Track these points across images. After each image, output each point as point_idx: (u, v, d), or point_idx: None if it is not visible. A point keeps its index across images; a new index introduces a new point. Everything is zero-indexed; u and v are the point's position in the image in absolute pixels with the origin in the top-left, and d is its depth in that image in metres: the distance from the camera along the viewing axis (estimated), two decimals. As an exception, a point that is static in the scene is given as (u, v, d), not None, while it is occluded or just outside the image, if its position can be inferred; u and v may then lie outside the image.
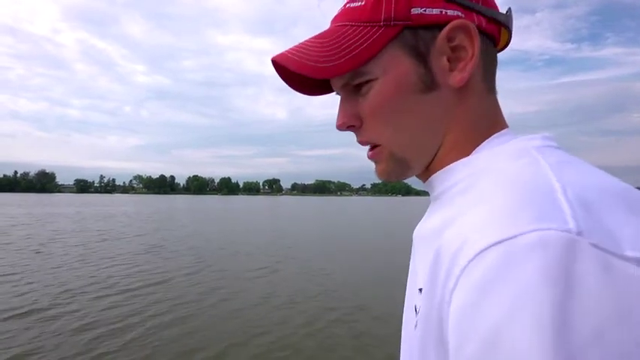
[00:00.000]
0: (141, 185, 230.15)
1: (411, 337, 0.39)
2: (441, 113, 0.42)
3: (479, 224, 0.30)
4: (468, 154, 0.42)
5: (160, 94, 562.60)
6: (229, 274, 7.77)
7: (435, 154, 0.44)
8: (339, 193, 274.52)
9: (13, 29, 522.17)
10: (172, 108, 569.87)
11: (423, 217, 0.47)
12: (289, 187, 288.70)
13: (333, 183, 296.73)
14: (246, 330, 4.68)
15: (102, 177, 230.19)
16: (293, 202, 79.99)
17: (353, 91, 0.44)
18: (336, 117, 0.46)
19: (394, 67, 0.41)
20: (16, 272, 7.53)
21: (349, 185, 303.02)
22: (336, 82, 0.46)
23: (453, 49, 0.40)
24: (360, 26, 0.41)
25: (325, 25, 0.47)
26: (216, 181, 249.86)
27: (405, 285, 0.48)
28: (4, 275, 7.27)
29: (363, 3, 0.41)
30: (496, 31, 0.43)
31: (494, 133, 0.43)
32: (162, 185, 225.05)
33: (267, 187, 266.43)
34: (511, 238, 0.27)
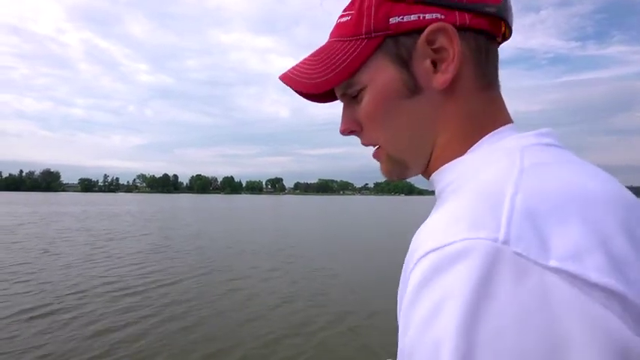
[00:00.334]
0: (144, 184, 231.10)
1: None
2: (430, 115, 0.43)
3: (430, 230, 0.33)
4: (462, 154, 0.42)
5: (164, 93, 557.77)
6: (238, 275, 7.85)
7: (431, 155, 0.46)
8: (341, 193, 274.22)
9: (18, 29, 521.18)
10: (176, 107, 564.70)
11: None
12: (292, 186, 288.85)
13: (336, 182, 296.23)
14: (261, 334, 4.65)
15: (106, 176, 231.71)
16: (296, 201, 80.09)
17: (351, 99, 0.48)
18: (339, 116, 0.51)
19: (379, 75, 0.44)
20: (25, 271, 7.66)
21: (352, 184, 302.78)
22: (336, 92, 0.50)
23: (436, 52, 0.41)
24: (346, 41, 0.45)
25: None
26: (219, 180, 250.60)
27: None
28: (12, 273, 7.40)
29: (349, 18, 0.44)
30: (487, 25, 0.42)
31: (491, 131, 0.43)
32: (166, 184, 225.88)
33: (269, 187, 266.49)
34: (443, 246, 0.29)
